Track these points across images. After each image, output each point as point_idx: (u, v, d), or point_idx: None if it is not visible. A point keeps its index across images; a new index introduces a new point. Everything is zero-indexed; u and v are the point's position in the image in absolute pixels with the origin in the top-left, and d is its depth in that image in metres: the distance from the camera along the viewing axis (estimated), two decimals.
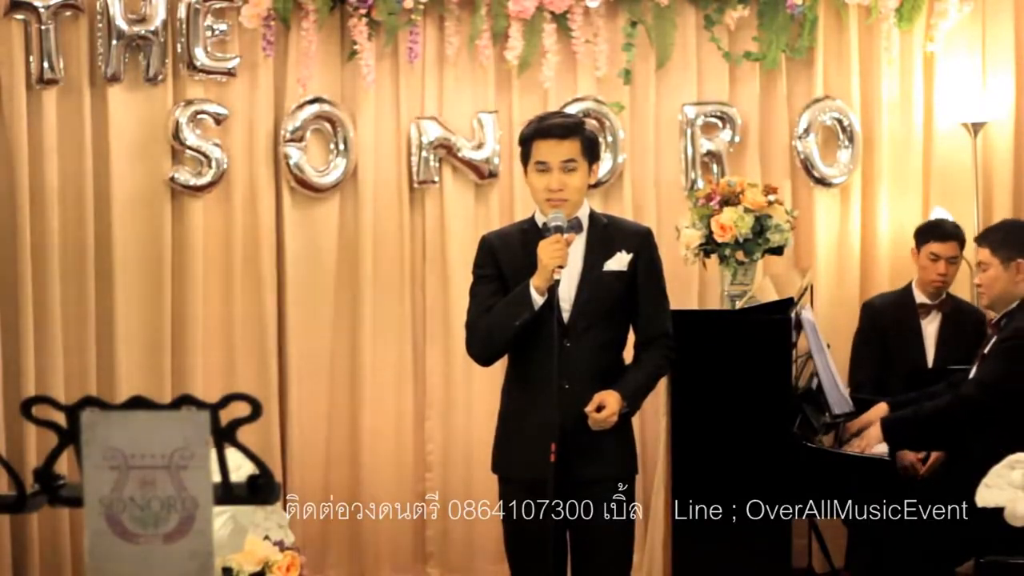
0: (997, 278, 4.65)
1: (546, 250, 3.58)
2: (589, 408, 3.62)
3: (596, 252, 3.74)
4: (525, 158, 3.77)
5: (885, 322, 5.44)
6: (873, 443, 4.69)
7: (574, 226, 3.70)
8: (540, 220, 3.75)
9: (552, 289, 3.59)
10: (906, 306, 5.50)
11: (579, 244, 3.72)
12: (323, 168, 5.64)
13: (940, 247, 5.41)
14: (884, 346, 5.44)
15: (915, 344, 5.45)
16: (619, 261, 3.74)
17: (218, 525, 2.99)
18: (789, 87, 5.97)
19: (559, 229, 3.61)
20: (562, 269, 3.59)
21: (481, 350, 3.78)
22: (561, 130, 3.74)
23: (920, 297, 5.48)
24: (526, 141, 3.76)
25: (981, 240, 4.79)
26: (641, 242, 3.79)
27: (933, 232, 5.46)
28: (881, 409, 4.85)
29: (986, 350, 4.64)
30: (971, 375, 4.65)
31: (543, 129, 3.74)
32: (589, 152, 3.75)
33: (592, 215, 3.81)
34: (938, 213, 5.85)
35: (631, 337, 3.89)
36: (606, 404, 3.63)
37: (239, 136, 5.57)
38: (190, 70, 5.47)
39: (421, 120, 5.68)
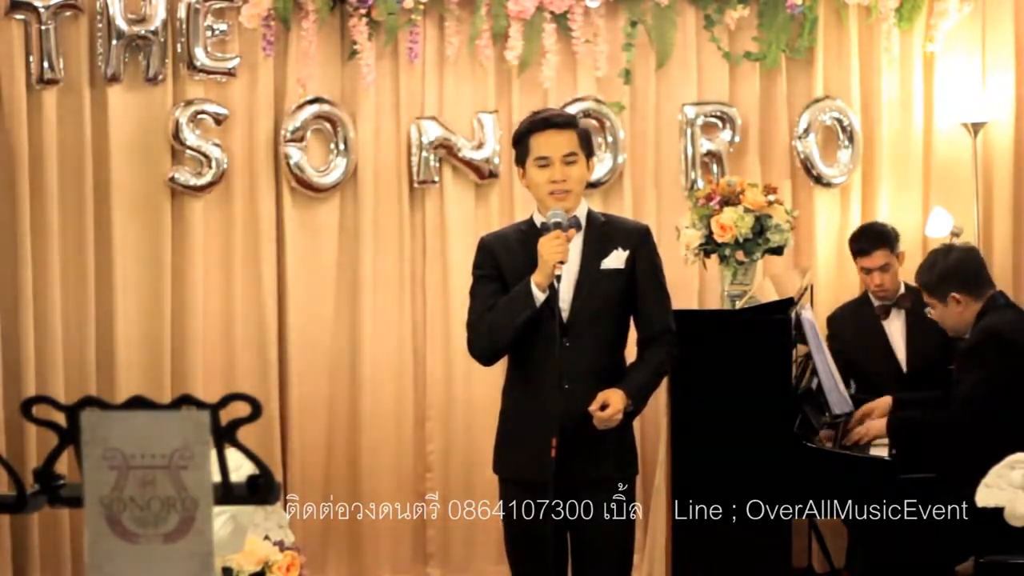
0: (944, 315, 4.66)
1: (547, 246, 3.57)
2: (593, 407, 3.61)
3: (594, 250, 3.74)
4: (522, 156, 3.74)
5: (847, 332, 5.40)
6: (872, 434, 4.71)
7: (573, 223, 3.70)
8: (539, 220, 3.74)
9: (553, 286, 3.59)
10: (864, 311, 5.47)
11: (577, 243, 3.71)
12: (323, 168, 5.64)
13: (866, 261, 5.39)
14: (852, 357, 5.39)
15: (881, 347, 5.41)
16: (617, 259, 3.73)
17: (218, 525, 2.99)
18: (789, 87, 5.97)
19: (559, 225, 3.61)
20: (563, 265, 3.58)
21: (483, 349, 3.78)
22: (560, 119, 3.74)
23: (877, 300, 5.45)
24: (522, 138, 3.73)
25: (918, 282, 4.78)
26: (639, 239, 3.79)
27: (855, 247, 5.44)
28: (886, 402, 4.85)
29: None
30: (954, 387, 4.65)
31: (540, 122, 3.72)
32: (586, 145, 3.75)
33: (590, 214, 3.81)
34: (938, 213, 5.85)
35: (631, 337, 3.89)
36: (610, 402, 3.61)
37: (239, 136, 5.57)
38: (190, 70, 5.47)
39: (421, 120, 5.68)
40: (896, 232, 5.48)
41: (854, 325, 5.44)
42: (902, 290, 5.44)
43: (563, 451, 3.54)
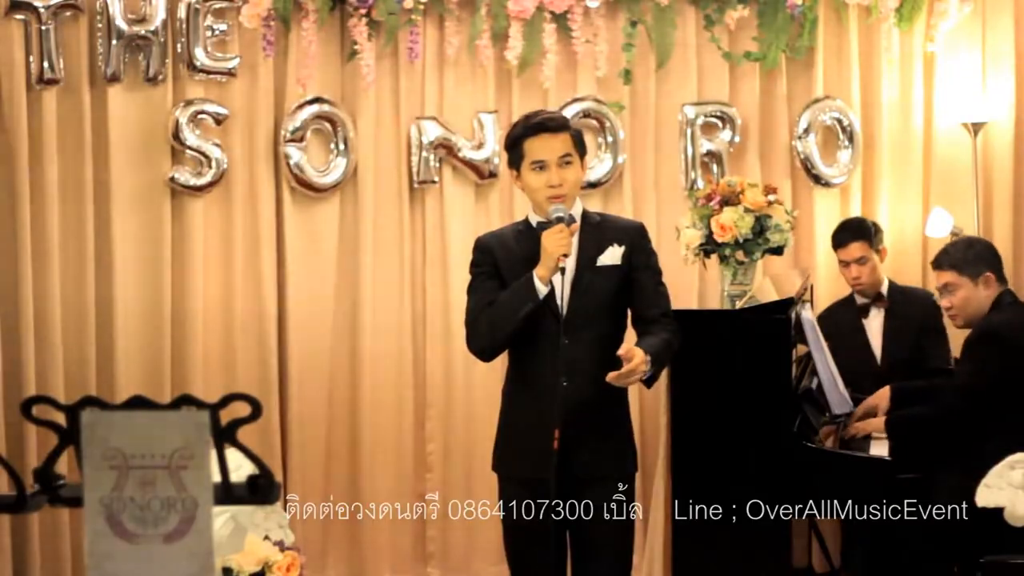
0: (969, 297, 4.65)
1: (551, 239, 3.57)
2: (621, 352, 3.53)
3: (589, 248, 3.73)
4: (516, 160, 3.72)
5: (830, 329, 5.44)
6: (871, 430, 4.73)
7: (573, 221, 3.70)
8: (534, 220, 3.74)
9: (552, 281, 3.59)
10: (847, 309, 5.57)
11: (572, 241, 3.70)
12: (323, 168, 5.64)
13: (842, 253, 5.49)
14: (833, 352, 5.41)
15: (858, 342, 5.48)
16: (612, 255, 3.73)
17: (218, 525, 2.99)
18: (789, 87, 5.97)
19: (561, 219, 3.61)
20: (567, 258, 3.58)
21: (483, 344, 3.76)
22: (554, 123, 3.72)
23: (859, 298, 5.54)
24: (516, 142, 3.71)
25: (942, 264, 4.72)
26: (634, 235, 3.78)
27: (833, 241, 5.55)
28: (884, 394, 4.89)
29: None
30: (953, 378, 4.69)
31: (534, 126, 3.70)
32: (580, 146, 3.74)
33: (585, 213, 3.81)
34: (938, 213, 5.86)
35: (630, 336, 3.88)
36: (634, 355, 3.53)
37: (239, 136, 5.57)
38: (190, 70, 5.47)
39: (421, 120, 5.68)
40: (877, 227, 5.54)
41: (837, 322, 5.51)
42: (884, 286, 5.49)
43: (563, 448, 3.54)
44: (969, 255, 4.67)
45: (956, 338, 5.44)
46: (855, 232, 5.47)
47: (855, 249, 5.43)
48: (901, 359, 5.38)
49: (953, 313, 4.72)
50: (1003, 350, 4.49)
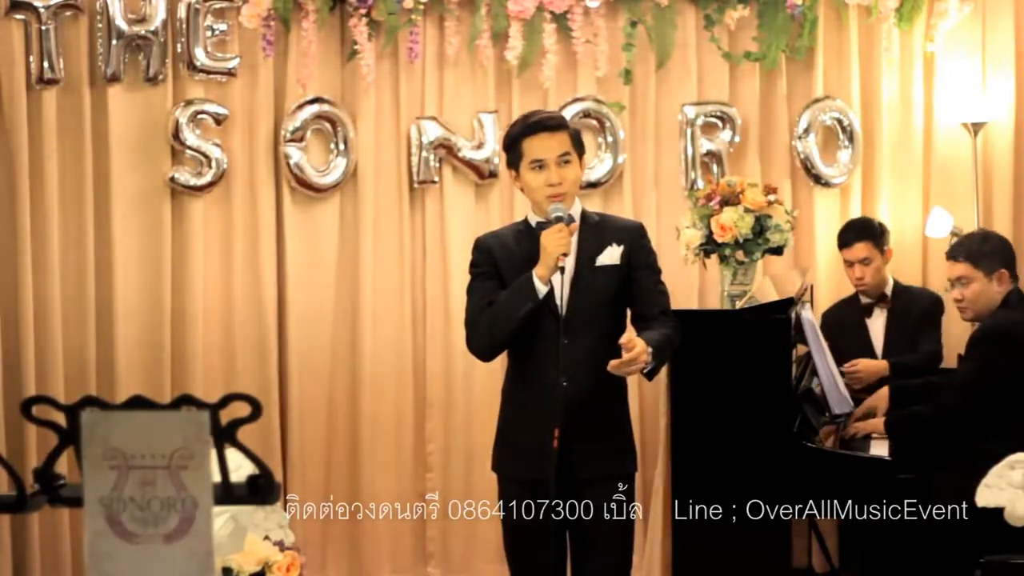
0: (982, 291, 4.63)
1: (550, 238, 3.57)
2: (623, 340, 3.53)
3: (588, 248, 3.73)
4: (515, 160, 3.72)
5: (833, 327, 5.45)
6: (870, 430, 4.74)
7: (572, 220, 3.70)
8: (533, 220, 3.74)
9: (552, 280, 3.58)
10: (851, 308, 5.60)
11: (572, 240, 3.70)
12: (323, 168, 5.64)
13: (847, 253, 5.52)
14: (835, 350, 5.42)
15: (860, 342, 5.49)
16: (611, 255, 3.72)
17: (218, 525, 2.99)
18: (789, 87, 5.97)
19: (561, 219, 3.61)
20: (566, 257, 3.58)
21: (483, 344, 3.76)
22: (552, 122, 3.72)
23: (863, 298, 5.57)
24: (515, 142, 3.71)
25: (957, 255, 4.69)
26: (633, 235, 3.78)
27: (838, 240, 5.57)
28: (883, 394, 4.89)
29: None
30: (955, 375, 4.70)
31: (532, 125, 3.70)
32: (578, 145, 3.74)
33: (584, 212, 3.81)
34: (938, 213, 5.86)
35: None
36: (636, 343, 3.51)
37: (239, 136, 5.57)
38: (190, 70, 5.47)
39: (421, 120, 5.69)
40: (883, 228, 5.56)
41: (840, 321, 5.53)
42: (889, 287, 5.51)
43: (563, 447, 3.53)
44: (985, 248, 4.66)
45: (953, 337, 5.46)
46: (860, 232, 5.48)
47: (860, 249, 5.45)
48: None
49: (964, 306, 4.70)
50: (1010, 349, 4.49)
